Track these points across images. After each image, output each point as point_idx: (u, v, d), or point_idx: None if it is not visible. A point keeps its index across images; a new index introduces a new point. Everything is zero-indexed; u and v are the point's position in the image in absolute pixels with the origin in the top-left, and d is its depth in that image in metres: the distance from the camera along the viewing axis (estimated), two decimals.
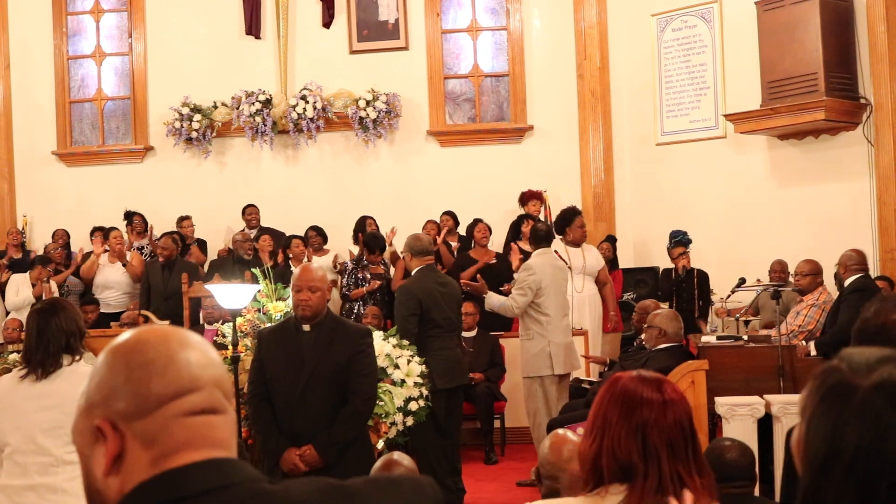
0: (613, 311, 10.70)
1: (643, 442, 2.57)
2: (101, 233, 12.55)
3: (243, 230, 12.75)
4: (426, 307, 7.84)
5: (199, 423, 1.53)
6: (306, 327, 5.67)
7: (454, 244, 12.16)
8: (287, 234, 12.17)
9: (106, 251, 12.23)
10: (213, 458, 1.52)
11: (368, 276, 11.21)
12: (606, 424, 2.61)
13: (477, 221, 11.76)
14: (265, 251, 11.92)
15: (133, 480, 1.49)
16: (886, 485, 1.48)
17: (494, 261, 11.29)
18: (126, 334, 1.59)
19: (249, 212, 12.98)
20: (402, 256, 8.95)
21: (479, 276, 9.57)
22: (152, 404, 1.50)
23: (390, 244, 11.85)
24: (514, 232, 11.81)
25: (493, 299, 9.01)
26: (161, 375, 1.52)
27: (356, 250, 11.73)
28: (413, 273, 8.12)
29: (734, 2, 11.91)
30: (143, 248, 12.73)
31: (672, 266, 11.29)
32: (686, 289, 11.06)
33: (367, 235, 11.57)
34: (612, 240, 11.92)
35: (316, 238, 12.23)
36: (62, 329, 4.50)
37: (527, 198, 12.65)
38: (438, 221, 12.27)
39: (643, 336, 8.40)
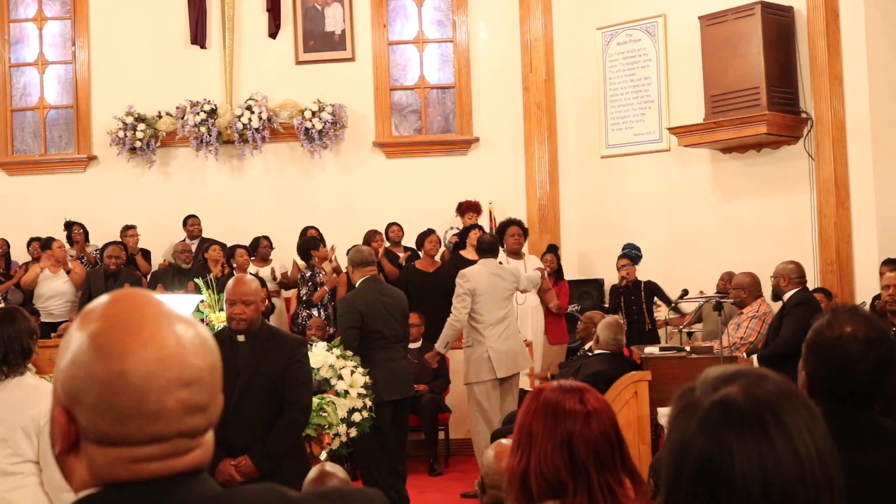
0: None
1: (570, 456, 2.56)
2: (39, 243, 12.38)
3: (184, 240, 12.65)
4: (368, 319, 7.86)
5: None
6: (241, 338, 5.64)
7: (401, 255, 12.13)
8: (230, 245, 12.08)
9: (36, 260, 12.10)
10: None
11: (322, 280, 11.33)
12: (532, 438, 2.60)
13: (430, 232, 11.75)
14: (214, 261, 11.82)
15: None
16: (725, 492, 1.55)
17: None
18: None
19: (191, 222, 12.87)
20: (345, 270, 8.98)
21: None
22: None
23: (331, 260, 11.78)
24: (462, 240, 11.81)
25: (441, 338, 9.08)
26: None
27: (301, 263, 11.77)
28: (357, 285, 8.12)
29: (678, 16, 12.02)
30: (82, 258, 12.58)
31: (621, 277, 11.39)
32: (634, 301, 11.11)
33: (299, 243, 11.63)
34: (553, 249, 11.92)
35: (267, 247, 12.20)
36: (18, 338, 4.43)
37: (465, 209, 12.66)
38: (382, 231, 12.25)
39: (586, 345, 8.49)
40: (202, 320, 7.54)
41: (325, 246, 11.79)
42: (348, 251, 8.92)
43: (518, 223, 10.47)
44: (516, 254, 10.30)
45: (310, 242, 11.66)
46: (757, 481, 1.54)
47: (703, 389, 1.64)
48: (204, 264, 11.83)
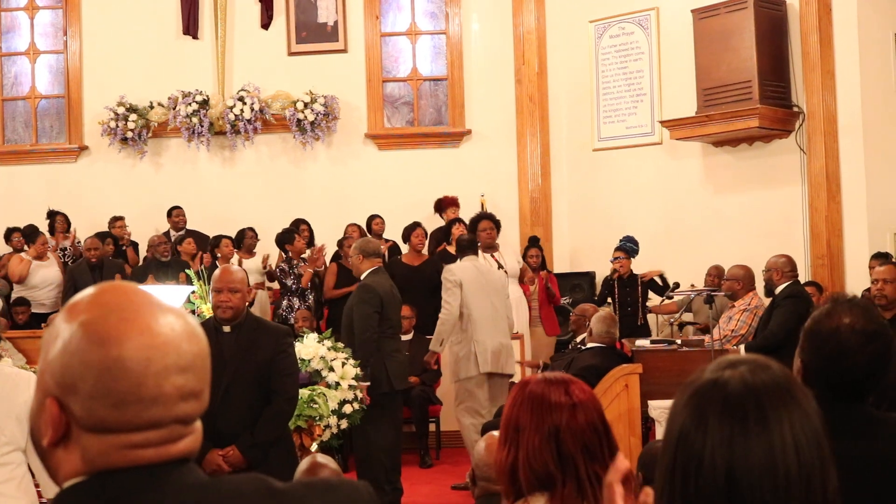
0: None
1: (558, 449, 2.57)
2: (20, 233, 12.23)
3: (167, 232, 12.60)
4: (385, 305, 7.84)
5: None
6: (227, 328, 5.62)
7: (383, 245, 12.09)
8: (214, 235, 11.96)
9: (21, 250, 12.00)
10: None
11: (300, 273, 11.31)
12: (519, 432, 2.61)
13: (416, 225, 11.71)
14: (188, 254, 11.76)
15: None
16: (695, 468, 1.58)
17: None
18: None
19: (176, 213, 12.77)
20: (350, 259, 8.95)
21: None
22: None
23: (318, 254, 11.69)
24: (446, 235, 11.76)
25: (435, 336, 9.01)
26: None
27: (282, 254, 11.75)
28: (364, 275, 8.08)
29: (671, 9, 12.03)
30: (65, 249, 12.50)
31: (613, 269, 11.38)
32: (629, 294, 11.10)
33: (277, 235, 11.67)
34: (535, 242, 11.82)
35: (252, 238, 12.08)
36: None
37: (445, 205, 12.60)
38: (363, 225, 12.20)
39: (577, 338, 8.48)
40: (193, 311, 7.54)
41: (299, 238, 11.70)
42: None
43: (489, 217, 10.33)
44: (490, 248, 10.17)
45: (284, 235, 11.63)
46: (723, 465, 1.56)
47: (710, 368, 1.67)
48: (181, 257, 11.77)
